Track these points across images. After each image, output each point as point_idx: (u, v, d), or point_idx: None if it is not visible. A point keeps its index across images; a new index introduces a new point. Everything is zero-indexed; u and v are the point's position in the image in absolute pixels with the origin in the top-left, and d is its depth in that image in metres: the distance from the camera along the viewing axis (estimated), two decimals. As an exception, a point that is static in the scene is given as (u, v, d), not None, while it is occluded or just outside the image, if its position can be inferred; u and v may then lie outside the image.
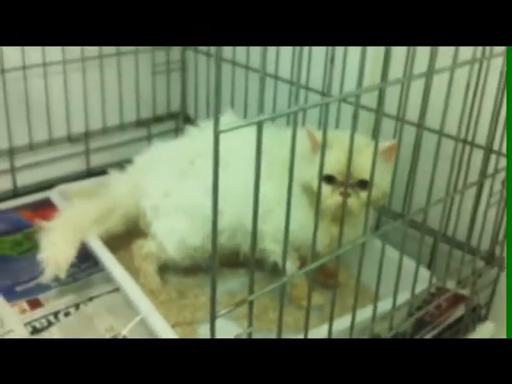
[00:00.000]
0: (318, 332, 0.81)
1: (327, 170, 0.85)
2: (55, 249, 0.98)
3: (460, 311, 0.99)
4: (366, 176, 0.85)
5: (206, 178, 0.93)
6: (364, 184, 0.87)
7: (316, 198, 0.65)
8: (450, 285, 0.94)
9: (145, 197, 1.05)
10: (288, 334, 0.80)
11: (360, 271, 0.72)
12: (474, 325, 1.00)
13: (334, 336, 0.75)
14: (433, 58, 0.67)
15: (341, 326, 0.78)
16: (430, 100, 0.73)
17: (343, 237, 0.68)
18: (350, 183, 0.87)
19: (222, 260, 1.02)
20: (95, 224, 1.05)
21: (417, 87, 0.84)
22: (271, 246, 0.97)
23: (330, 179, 0.87)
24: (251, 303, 0.57)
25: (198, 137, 1.07)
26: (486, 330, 1.03)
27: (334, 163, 0.85)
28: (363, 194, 0.87)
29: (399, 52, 0.94)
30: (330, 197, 0.87)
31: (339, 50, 0.62)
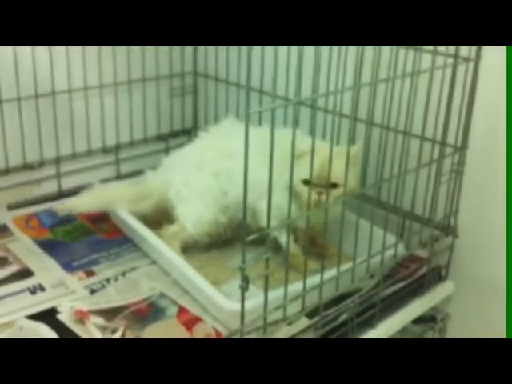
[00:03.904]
0: (313, 279, 1.06)
1: (304, 176, 1.08)
2: (79, 199, 1.40)
3: (424, 270, 1.26)
4: (336, 180, 1.10)
5: (213, 165, 1.28)
6: (335, 184, 1.12)
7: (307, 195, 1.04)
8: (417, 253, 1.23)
9: (170, 186, 1.34)
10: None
11: (325, 230, 1.03)
12: (436, 282, 1.27)
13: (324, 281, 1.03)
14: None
15: (329, 276, 1.06)
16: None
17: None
18: (324, 185, 1.09)
19: (234, 235, 1.31)
20: (129, 203, 1.37)
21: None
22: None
23: (307, 182, 1.10)
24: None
25: (206, 137, 1.38)
26: (446, 287, 1.31)
27: (314, 169, 0.99)
28: (335, 192, 1.12)
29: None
30: (310, 195, 1.04)
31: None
